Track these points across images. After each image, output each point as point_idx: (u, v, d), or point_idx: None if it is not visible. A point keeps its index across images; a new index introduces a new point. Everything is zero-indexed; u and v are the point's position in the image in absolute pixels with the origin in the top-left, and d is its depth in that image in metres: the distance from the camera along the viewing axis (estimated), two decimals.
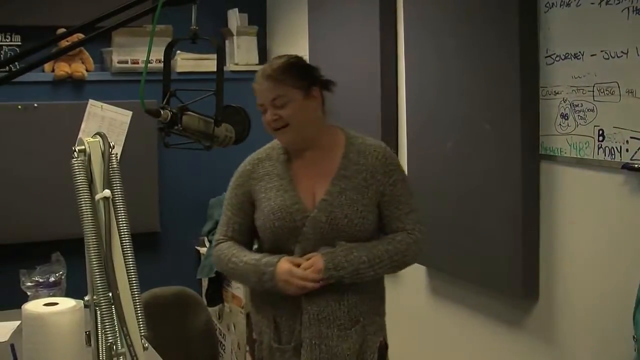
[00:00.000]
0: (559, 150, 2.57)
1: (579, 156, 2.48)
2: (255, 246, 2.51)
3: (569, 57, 2.48)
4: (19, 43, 4.30)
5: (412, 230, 2.39)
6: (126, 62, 4.48)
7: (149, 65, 1.65)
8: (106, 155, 1.46)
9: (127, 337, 1.37)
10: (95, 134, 1.49)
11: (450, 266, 3.11)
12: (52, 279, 3.02)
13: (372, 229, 2.37)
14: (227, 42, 4.82)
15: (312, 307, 2.32)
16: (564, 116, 2.53)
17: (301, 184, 2.35)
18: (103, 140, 1.47)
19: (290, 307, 2.35)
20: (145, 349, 1.41)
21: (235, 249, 2.41)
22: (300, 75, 2.33)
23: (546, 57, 2.58)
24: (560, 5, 2.51)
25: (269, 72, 2.32)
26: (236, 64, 4.76)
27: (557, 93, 2.55)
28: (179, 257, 4.76)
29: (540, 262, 2.69)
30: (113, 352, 1.39)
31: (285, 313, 2.36)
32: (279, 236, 2.33)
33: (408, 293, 3.55)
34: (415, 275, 3.46)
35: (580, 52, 2.44)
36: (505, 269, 2.75)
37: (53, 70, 4.39)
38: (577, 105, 2.47)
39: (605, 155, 2.37)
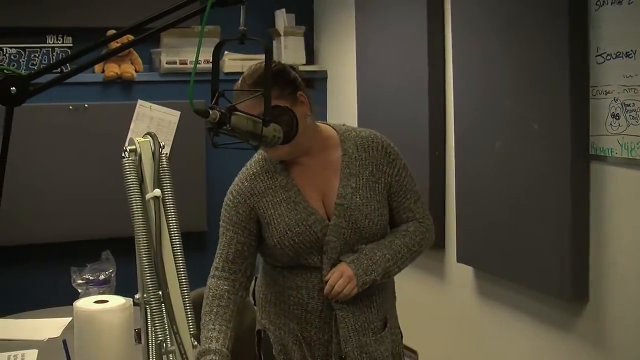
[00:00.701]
0: (609, 150, 2.53)
1: (630, 157, 2.44)
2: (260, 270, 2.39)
3: (621, 55, 2.44)
4: (71, 45, 4.38)
5: (422, 218, 2.34)
6: (174, 63, 4.52)
7: (198, 65, 1.66)
8: (156, 155, 1.47)
9: (177, 335, 1.38)
10: (146, 134, 1.51)
11: (498, 267, 3.08)
12: (102, 277, 3.07)
13: (387, 223, 2.31)
14: (274, 42, 4.82)
15: (349, 319, 2.23)
16: (615, 116, 2.49)
17: (308, 192, 2.23)
18: (153, 140, 1.49)
19: (317, 321, 2.25)
20: (194, 347, 1.43)
21: (212, 315, 2.18)
22: (280, 84, 2.14)
23: (597, 55, 2.55)
24: (612, 3, 2.47)
25: (250, 86, 2.14)
26: None
27: (608, 92, 2.51)
28: None
29: (590, 263, 2.66)
30: (163, 350, 1.40)
31: (313, 327, 2.25)
32: (300, 251, 2.20)
33: (454, 294, 3.52)
34: (462, 276, 3.44)
35: (632, 50, 2.40)
36: (555, 271, 2.72)
37: (103, 71, 4.46)
38: (628, 105, 2.43)
39: None
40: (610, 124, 2.51)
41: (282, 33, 4.75)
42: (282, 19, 4.76)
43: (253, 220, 2.23)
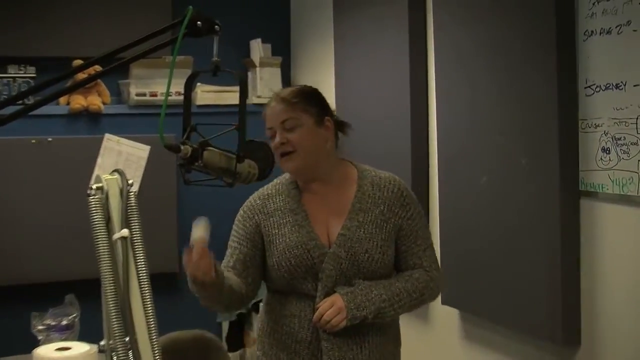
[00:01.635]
0: (600, 186, 2.54)
1: (622, 192, 2.46)
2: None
3: (610, 87, 2.47)
4: (34, 75, 4.37)
5: (429, 267, 2.42)
6: (144, 95, 4.52)
7: (169, 97, 1.67)
8: (124, 193, 1.46)
9: None
10: (113, 170, 1.50)
11: (485, 309, 3.07)
12: (64, 322, 3.02)
13: (390, 264, 2.39)
14: (249, 73, 4.84)
15: (334, 352, 2.32)
16: (606, 150, 2.51)
17: (315, 219, 2.38)
18: (121, 177, 1.48)
19: (306, 352, 2.35)
20: None
21: None
22: (313, 101, 2.38)
23: (586, 87, 2.57)
24: (600, 33, 2.50)
25: (282, 95, 2.38)
26: (259, 97, 4.76)
27: (598, 126, 2.53)
28: (198, 299, 4.72)
29: (581, 306, 2.65)
30: None
31: (302, 358, 2.35)
32: (295, 275, 2.34)
33: (439, 337, 3.51)
34: (446, 318, 3.42)
35: (622, 82, 2.43)
36: (544, 314, 2.71)
37: (68, 103, 4.44)
38: (619, 139, 2.45)
39: None
40: (601, 159, 2.53)
41: (257, 64, 4.77)
42: (258, 49, 4.79)
43: (258, 235, 2.40)
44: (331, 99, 4.24)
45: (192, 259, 2.13)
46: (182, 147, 1.73)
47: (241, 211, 2.47)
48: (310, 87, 2.45)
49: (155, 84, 4.52)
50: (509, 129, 2.88)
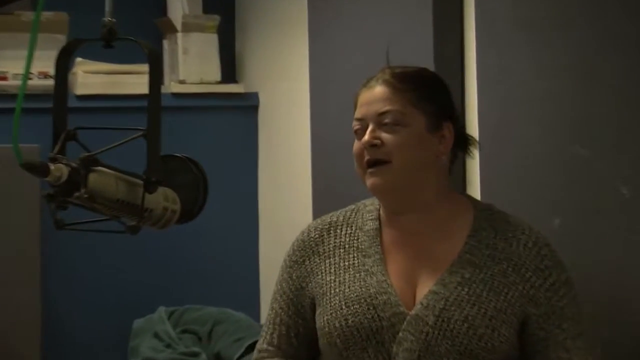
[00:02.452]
0: None
1: None
2: None
3: None
4: None
5: None
6: None
7: (28, 82, 1.63)
8: None
9: None
10: None
11: None
12: None
13: (504, 351, 2.46)
14: (166, 43, 4.87)
15: None
16: None
17: (396, 267, 2.52)
18: None
19: None
20: None
21: None
22: (434, 94, 2.57)
23: None
24: None
25: (388, 77, 2.55)
26: (182, 82, 4.79)
27: None
28: None
29: None
30: None
31: None
32: (352, 344, 2.47)
33: None
34: None
35: None
36: None
37: None
38: None
39: None
40: None
41: (179, 27, 4.78)
42: (180, 2, 4.77)
43: (302, 294, 2.62)
44: (300, 89, 4.26)
45: None
46: (51, 167, 1.70)
47: (291, 250, 2.68)
48: (432, 72, 2.67)
49: (4, 59, 4.50)
50: (598, 137, 2.89)
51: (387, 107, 2.49)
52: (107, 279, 4.79)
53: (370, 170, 2.48)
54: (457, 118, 2.63)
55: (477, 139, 3.38)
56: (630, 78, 2.78)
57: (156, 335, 4.53)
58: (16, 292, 4.49)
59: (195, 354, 4.46)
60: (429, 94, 2.55)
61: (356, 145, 2.52)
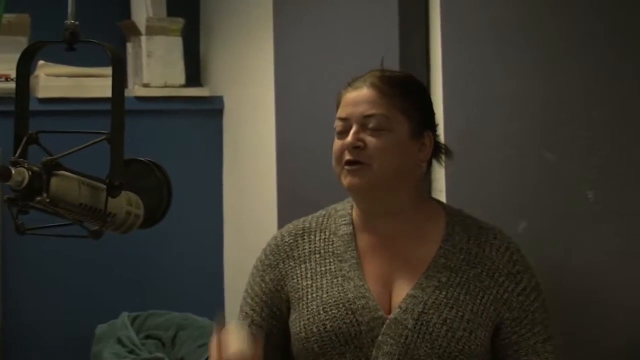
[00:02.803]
0: None
1: None
2: None
3: None
4: None
5: None
6: None
7: None
8: None
9: None
10: None
11: None
12: None
13: (479, 355, 2.51)
14: (130, 46, 4.86)
15: None
16: None
17: (372, 272, 2.55)
18: None
19: None
20: None
21: None
22: (419, 102, 2.62)
23: None
24: None
25: (376, 80, 2.57)
26: (146, 86, 4.80)
27: None
28: None
29: None
30: None
31: None
32: (330, 349, 2.50)
33: None
34: None
35: None
36: None
37: None
38: None
39: None
40: None
41: (143, 30, 4.78)
42: (144, 5, 4.75)
43: (277, 297, 2.62)
44: (266, 92, 4.25)
45: None
46: (13, 171, 1.72)
47: (262, 255, 2.68)
48: (419, 80, 2.71)
49: None
50: (565, 141, 2.89)
51: (373, 111, 2.51)
52: (70, 284, 4.77)
53: (348, 168, 2.49)
54: (437, 128, 2.68)
55: (443, 140, 3.40)
56: (598, 81, 2.79)
57: (119, 341, 4.52)
58: None
59: None
60: (415, 101, 2.58)
61: (337, 143, 2.53)
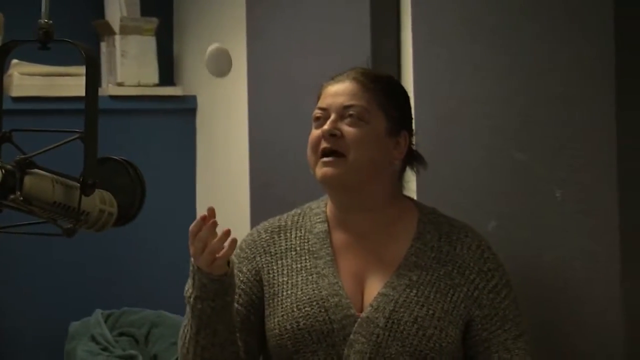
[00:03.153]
0: None
1: None
2: None
3: None
4: None
5: None
6: None
7: None
8: None
9: None
10: None
11: None
12: None
13: (450, 352, 2.55)
14: (103, 45, 4.85)
15: None
16: None
17: (346, 269, 2.60)
18: None
19: None
20: None
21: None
22: (398, 101, 2.68)
23: None
24: None
25: (359, 75, 2.64)
26: (120, 85, 4.79)
27: None
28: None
29: None
30: None
31: None
32: (303, 346, 2.54)
33: None
34: None
35: None
36: None
37: None
38: None
39: None
40: None
41: (117, 29, 4.76)
42: (118, 5, 4.74)
43: (257, 285, 2.65)
44: (239, 92, 4.25)
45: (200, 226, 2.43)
46: None
47: (237, 250, 2.64)
48: (399, 82, 2.80)
49: None
50: (533, 142, 2.91)
51: (353, 101, 2.56)
52: (44, 281, 4.75)
53: (323, 159, 2.53)
54: (411, 125, 2.72)
55: (414, 141, 3.41)
56: (568, 85, 2.81)
57: (93, 339, 4.50)
58: None
59: (132, 357, 4.43)
60: (394, 99, 2.65)
61: (314, 133, 2.58)
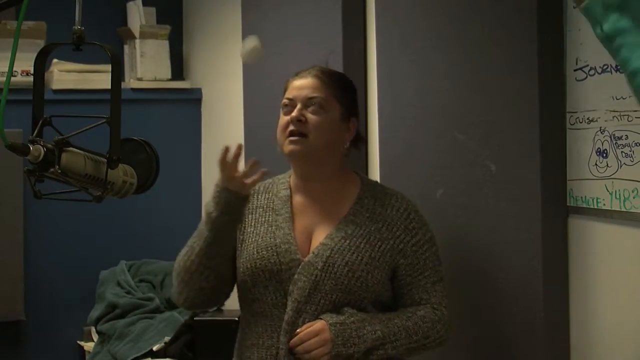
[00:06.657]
0: (594, 200, 2.56)
1: (623, 209, 2.47)
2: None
3: (608, 69, 2.48)
4: None
5: (438, 305, 2.66)
6: None
7: (12, 79, 1.65)
8: None
9: None
10: None
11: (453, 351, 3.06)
12: None
13: (377, 290, 2.62)
14: (126, 47, 4.83)
15: None
16: (602, 153, 2.52)
17: (300, 224, 2.68)
18: None
19: None
20: None
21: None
22: (350, 94, 2.75)
23: (576, 69, 2.59)
24: None
25: (319, 72, 2.71)
26: (140, 79, 4.78)
27: (592, 120, 2.55)
28: (52, 355, 4.76)
29: (571, 349, 2.67)
30: None
31: None
32: (258, 282, 2.63)
33: None
34: None
35: None
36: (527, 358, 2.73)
37: None
38: (620, 138, 2.46)
39: None
40: (596, 164, 2.55)
41: (137, 34, 4.74)
42: (138, 14, 4.72)
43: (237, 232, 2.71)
44: (237, 85, 4.24)
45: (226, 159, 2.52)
46: (31, 148, 1.74)
47: None
48: (349, 78, 2.81)
49: None
50: (472, 125, 2.90)
51: (315, 94, 2.64)
52: (78, 239, 4.78)
53: (290, 138, 2.60)
54: (358, 112, 2.79)
55: (377, 125, 3.42)
56: (500, 79, 2.79)
57: (118, 284, 4.54)
58: (3, 252, 4.50)
59: (150, 299, 4.46)
60: (346, 92, 2.73)
61: (283, 118, 2.64)
